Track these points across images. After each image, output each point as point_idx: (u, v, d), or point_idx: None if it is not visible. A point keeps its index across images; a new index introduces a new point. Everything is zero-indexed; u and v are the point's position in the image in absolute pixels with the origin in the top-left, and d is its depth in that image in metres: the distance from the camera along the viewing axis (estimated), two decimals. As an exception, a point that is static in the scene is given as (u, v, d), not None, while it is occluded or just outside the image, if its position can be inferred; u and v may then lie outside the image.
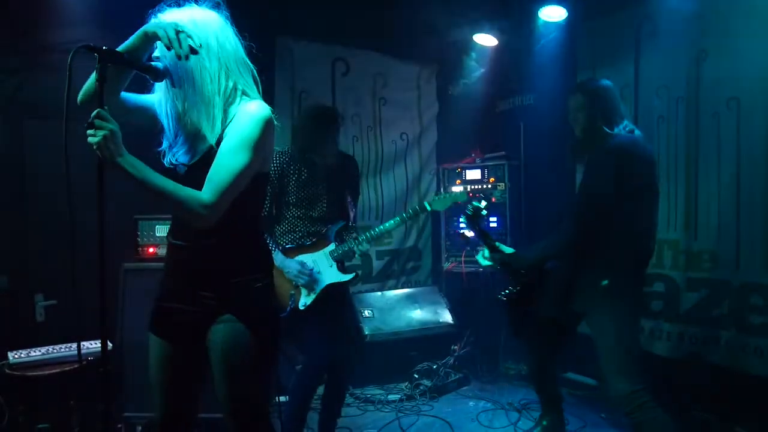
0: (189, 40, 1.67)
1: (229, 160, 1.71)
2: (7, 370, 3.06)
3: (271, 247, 3.17)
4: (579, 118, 2.94)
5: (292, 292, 3.17)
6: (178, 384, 1.94)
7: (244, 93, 1.82)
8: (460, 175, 5.31)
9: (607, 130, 2.82)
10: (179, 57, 1.65)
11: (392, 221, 3.49)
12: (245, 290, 1.86)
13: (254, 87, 1.86)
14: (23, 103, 3.64)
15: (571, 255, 2.90)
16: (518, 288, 3.04)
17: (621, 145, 2.76)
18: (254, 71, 1.89)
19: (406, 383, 4.44)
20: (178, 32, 1.65)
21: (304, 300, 3.18)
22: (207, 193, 1.68)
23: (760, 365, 3.41)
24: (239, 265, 1.86)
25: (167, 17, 1.76)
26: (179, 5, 1.81)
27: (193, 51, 1.67)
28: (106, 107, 1.57)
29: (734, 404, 3.45)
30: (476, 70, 5.40)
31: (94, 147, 1.53)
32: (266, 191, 2.04)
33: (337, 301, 3.32)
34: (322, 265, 3.28)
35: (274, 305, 1.98)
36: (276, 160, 3.21)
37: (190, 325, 1.85)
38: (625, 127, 2.84)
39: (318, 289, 3.21)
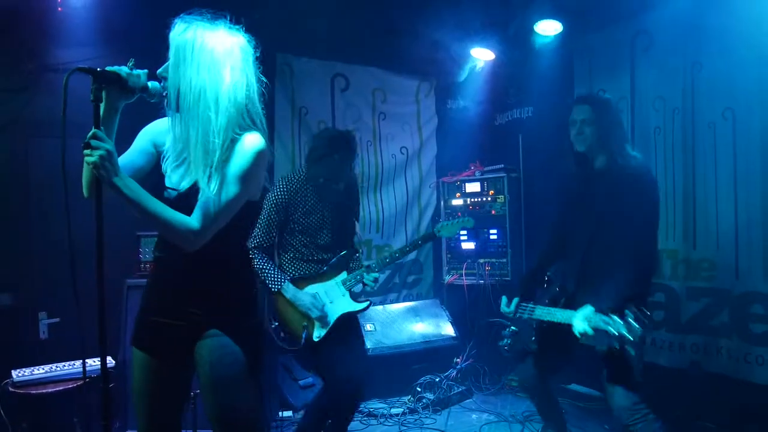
0: (139, 79, 1.69)
1: (223, 189, 1.75)
2: (10, 388, 3.08)
3: (280, 277, 3.12)
4: (585, 132, 2.84)
5: (305, 323, 3.09)
6: (162, 399, 1.94)
7: (244, 130, 1.82)
8: (459, 188, 5.34)
9: (628, 151, 2.80)
10: (135, 91, 1.69)
11: (402, 248, 3.48)
12: (231, 305, 1.89)
13: (258, 127, 1.85)
14: (28, 122, 3.69)
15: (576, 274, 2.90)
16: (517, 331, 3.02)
17: (651, 174, 2.82)
18: (261, 114, 1.87)
19: (409, 397, 4.43)
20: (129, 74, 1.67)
21: (318, 332, 3.11)
22: (197, 220, 1.72)
23: (761, 374, 3.41)
24: (225, 281, 1.89)
25: (192, 33, 1.74)
26: (209, 23, 1.79)
27: (144, 89, 1.70)
28: (102, 128, 1.61)
29: (736, 413, 3.45)
30: (474, 84, 5.45)
31: (91, 166, 1.57)
32: (255, 216, 2.06)
33: (349, 328, 3.28)
34: (334, 295, 3.22)
35: (260, 319, 2.01)
36: (283, 187, 3.16)
37: (176, 340, 1.87)
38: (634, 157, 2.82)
39: (332, 321, 3.15)
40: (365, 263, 3.38)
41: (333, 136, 3.21)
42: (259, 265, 3.09)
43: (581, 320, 2.61)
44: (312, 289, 3.18)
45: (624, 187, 2.73)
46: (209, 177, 1.75)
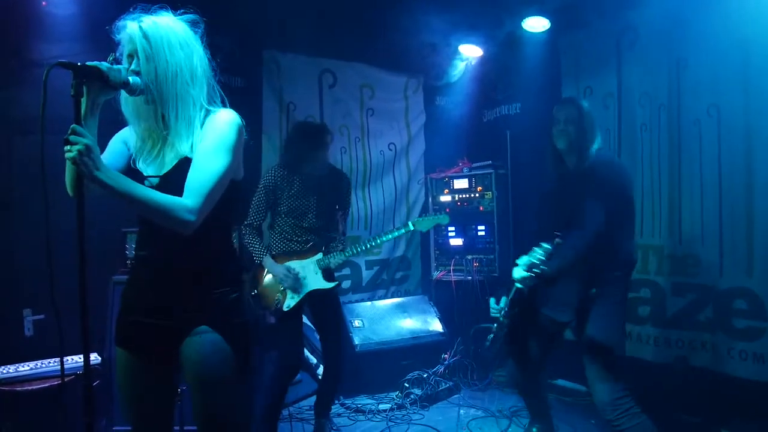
0: (119, 74, 1.68)
1: (209, 163, 1.73)
2: (-5, 386, 3.05)
3: (263, 251, 3.52)
4: (569, 131, 2.97)
5: (279, 295, 3.49)
6: (150, 399, 1.90)
7: (213, 104, 1.87)
8: (447, 185, 5.36)
9: (594, 146, 2.92)
10: (116, 86, 1.68)
11: (381, 239, 3.76)
12: (220, 302, 1.85)
13: (219, 101, 1.90)
14: (12, 118, 3.64)
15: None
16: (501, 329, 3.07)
17: (614, 160, 2.98)
18: (217, 87, 1.92)
19: (397, 392, 4.44)
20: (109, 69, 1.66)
21: (289, 302, 3.48)
22: (189, 197, 1.69)
23: (744, 368, 3.46)
24: (213, 277, 1.86)
25: (147, 24, 1.76)
26: (155, 15, 1.81)
27: (125, 83, 1.69)
28: (83, 123, 1.59)
29: (720, 407, 3.49)
30: (462, 81, 5.47)
31: (71, 162, 1.55)
32: (238, 201, 2.04)
33: (326, 310, 3.64)
34: (309, 272, 3.54)
35: (249, 316, 1.96)
36: (273, 172, 3.56)
37: (161, 339, 1.83)
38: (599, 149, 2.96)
39: (302, 293, 3.51)
40: (339, 247, 3.65)
41: (306, 131, 3.60)
42: (247, 239, 3.54)
43: (518, 269, 2.88)
44: (290, 264, 3.53)
45: (586, 182, 2.84)
46: (192, 142, 1.77)
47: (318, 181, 3.57)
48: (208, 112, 1.83)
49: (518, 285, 2.88)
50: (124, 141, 1.92)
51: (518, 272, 2.87)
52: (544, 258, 2.71)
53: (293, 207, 3.54)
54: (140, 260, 1.92)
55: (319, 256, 3.56)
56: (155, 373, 1.89)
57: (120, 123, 1.93)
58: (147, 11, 1.81)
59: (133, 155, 1.87)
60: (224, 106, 1.90)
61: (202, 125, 1.80)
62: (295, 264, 3.52)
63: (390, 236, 3.80)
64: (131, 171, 1.86)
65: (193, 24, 1.88)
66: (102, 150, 1.88)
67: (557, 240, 2.87)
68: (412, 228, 3.78)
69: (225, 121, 1.80)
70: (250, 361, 1.93)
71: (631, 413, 2.62)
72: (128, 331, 1.90)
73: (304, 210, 3.55)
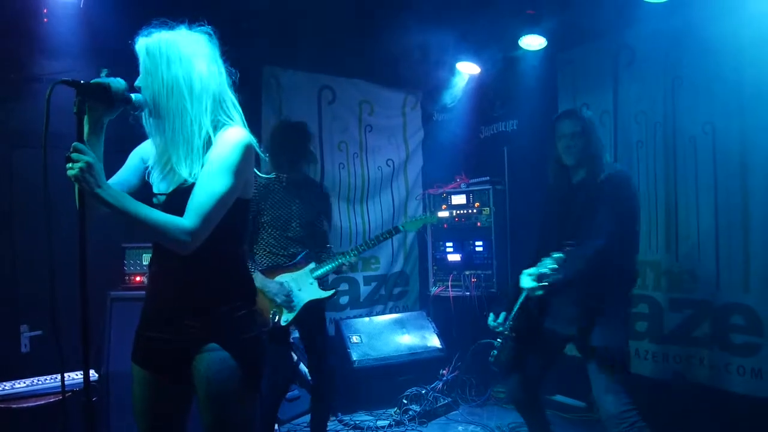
0: (119, 90, 1.69)
1: (211, 185, 1.72)
2: (-9, 402, 3.03)
3: (251, 268, 3.35)
4: (576, 145, 2.92)
5: (274, 309, 3.38)
6: (163, 414, 1.91)
7: (224, 123, 1.84)
8: (445, 200, 5.37)
9: (607, 160, 2.91)
10: (118, 104, 1.69)
11: (371, 241, 3.78)
12: (229, 319, 1.84)
13: (237, 117, 1.87)
14: (12, 133, 3.66)
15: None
16: (507, 342, 3.05)
17: (631, 180, 2.91)
18: (236, 102, 1.90)
19: (395, 409, 4.42)
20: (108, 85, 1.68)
21: (286, 317, 3.40)
22: (189, 219, 1.69)
23: (741, 383, 3.46)
24: (223, 294, 1.85)
25: (152, 39, 1.78)
26: (170, 29, 1.82)
27: (127, 100, 1.71)
28: (86, 141, 1.61)
29: (718, 423, 3.48)
30: (460, 97, 5.51)
31: (73, 179, 1.56)
32: (248, 218, 2.04)
33: (313, 321, 3.57)
34: (303, 283, 3.48)
35: (259, 333, 1.95)
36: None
37: (173, 355, 1.84)
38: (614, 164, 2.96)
39: (298, 307, 3.43)
40: (332, 255, 3.62)
41: (289, 128, 3.56)
42: None
43: (527, 278, 2.80)
44: (282, 278, 3.45)
45: (601, 194, 2.81)
46: (191, 169, 1.76)
47: (297, 187, 3.53)
48: (218, 127, 1.81)
49: (525, 294, 2.83)
50: (141, 157, 1.94)
51: (527, 281, 2.78)
52: (556, 267, 2.63)
53: (275, 216, 3.47)
54: (152, 275, 1.94)
55: (312, 265, 3.51)
56: (168, 389, 1.89)
57: (124, 139, 1.94)
58: (165, 26, 1.82)
59: (150, 169, 1.89)
60: (242, 122, 1.87)
61: (209, 146, 1.78)
62: (287, 277, 3.45)
63: (381, 238, 3.82)
64: (147, 186, 1.87)
65: (208, 38, 1.87)
66: (120, 165, 1.92)
67: (568, 248, 2.78)
68: (402, 230, 3.90)
69: (230, 140, 1.78)
70: (259, 377, 1.92)
71: (637, 427, 2.60)
72: (143, 346, 1.91)
73: (287, 218, 3.48)
